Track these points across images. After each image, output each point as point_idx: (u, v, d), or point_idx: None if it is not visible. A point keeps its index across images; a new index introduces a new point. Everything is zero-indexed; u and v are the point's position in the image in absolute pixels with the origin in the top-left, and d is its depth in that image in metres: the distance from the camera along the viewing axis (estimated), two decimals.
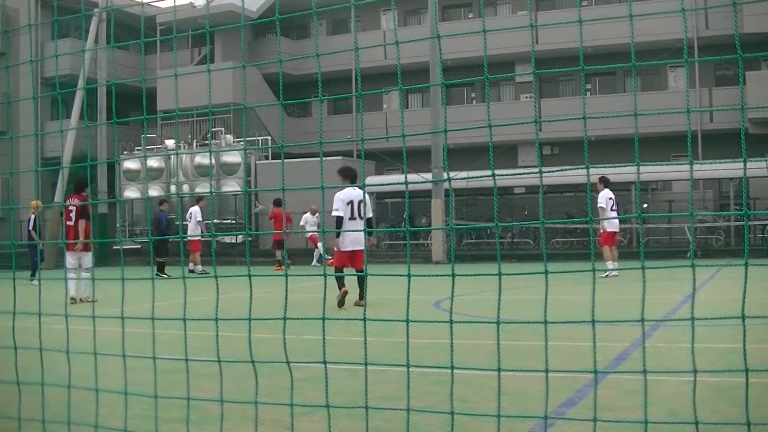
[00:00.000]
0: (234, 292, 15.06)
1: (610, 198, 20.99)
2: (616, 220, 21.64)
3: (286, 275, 4.09)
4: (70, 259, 17.17)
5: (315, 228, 32.13)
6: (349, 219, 14.16)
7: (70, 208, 17.86)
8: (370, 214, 14.32)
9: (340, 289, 12.97)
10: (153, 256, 25.77)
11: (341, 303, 12.78)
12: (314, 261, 33.01)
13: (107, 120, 40.05)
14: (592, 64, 40.67)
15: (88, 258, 17.26)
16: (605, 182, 21.22)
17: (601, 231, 21.58)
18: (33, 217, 23.31)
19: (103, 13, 41.16)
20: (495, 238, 38.19)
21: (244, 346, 4.10)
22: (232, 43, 51.22)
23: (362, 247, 13.26)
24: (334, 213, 14.40)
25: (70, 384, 4.49)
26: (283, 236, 25.52)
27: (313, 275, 3.45)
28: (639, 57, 40.38)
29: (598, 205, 21.01)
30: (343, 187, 14.71)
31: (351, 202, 14.36)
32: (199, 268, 27.49)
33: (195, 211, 28.20)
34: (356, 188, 14.49)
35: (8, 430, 5.24)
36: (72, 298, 16.29)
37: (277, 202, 30.52)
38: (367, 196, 14.28)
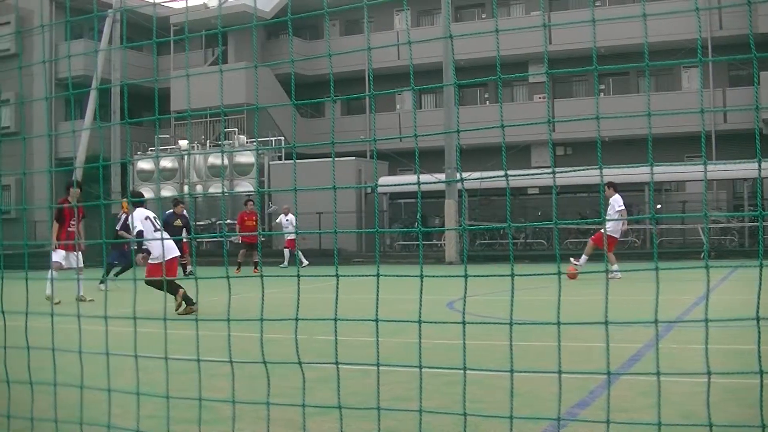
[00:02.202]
0: (246, 293, 15.09)
1: (621, 206, 21.04)
2: (621, 224, 21.62)
3: (298, 276, 4.09)
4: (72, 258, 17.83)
5: (290, 229, 31.98)
6: (154, 231, 14.76)
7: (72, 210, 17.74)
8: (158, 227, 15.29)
9: (175, 294, 12.97)
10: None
11: (180, 306, 12.62)
12: (285, 262, 32.94)
13: (120, 120, 40.13)
14: (605, 64, 40.59)
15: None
16: (615, 187, 21.26)
17: (600, 232, 21.61)
18: (123, 216, 23.17)
19: (116, 14, 41.26)
20: (508, 239, 38.07)
21: (256, 346, 4.10)
22: (245, 44, 51.26)
23: (175, 255, 13.96)
24: (134, 231, 15.17)
25: (82, 384, 4.50)
26: (258, 237, 25.50)
27: (327, 275, 3.44)
28: (652, 57, 40.28)
29: (618, 208, 20.95)
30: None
31: (148, 217, 15.13)
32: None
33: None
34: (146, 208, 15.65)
35: (22, 430, 5.25)
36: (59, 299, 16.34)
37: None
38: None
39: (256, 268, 29.45)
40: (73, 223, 17.90)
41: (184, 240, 24.51)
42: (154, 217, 15.37)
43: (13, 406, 4.79)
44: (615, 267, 20.35)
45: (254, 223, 29.86)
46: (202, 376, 4.51)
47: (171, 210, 25.58)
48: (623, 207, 21.01)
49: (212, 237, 29.79)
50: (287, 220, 32.66)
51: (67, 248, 17.75)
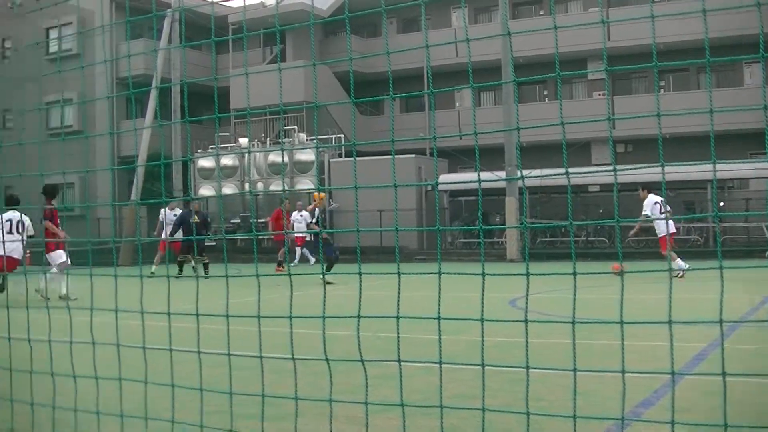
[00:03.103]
0: (309, 290, 15.17)
1: (656, 203, 20.83)
2: (671, 222, 21.39)
3: (359, 273, 4.10)
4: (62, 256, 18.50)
5: (303, 227, 31.84)
6: (8, 233, 16.60)
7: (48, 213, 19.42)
8: (31, 232, 17.05)
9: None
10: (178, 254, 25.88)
11: None
12: (296, 260, 32.91)
13: (181, 119, 40.45)
14: (665, 60, 40.22)
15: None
16: (648, 188, 21.14)
17: (659, 236, 21.36)
18: (317, 210, 23.44)
19: (175, 14, 41.58)
20: (569, 237, 37.98)
21: (319, 343, 4.12)
22: (303, 42, 51.43)
23: (13, 256, 16.26)
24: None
25: (146, 379, 4.55)
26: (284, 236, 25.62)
27: (389, 273, 3.45)
28: (713, 53, 39.84)
29: (643, 212, 20.84)
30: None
31: (10, 221, 16.81)
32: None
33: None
34: (16, 211, 17.09)
35: (87, 423, 5.32)
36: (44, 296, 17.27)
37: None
38: (26, 217, 17.04)
39: (281, 266, 29.54)
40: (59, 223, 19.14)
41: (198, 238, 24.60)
42: (17, 222, 17.23)
43: (78, 401, 4.84)
44: (679, 263, 20.23)
45: (288, 221, 30.00)
46: (266, 373, 4.54)
47: (187, 209, 25.78)
48: (648, 212, 20.84)
49: (245, 235, 29.99)
50: (301, 215, 32.30)
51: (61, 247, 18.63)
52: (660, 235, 20.95)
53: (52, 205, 18.68)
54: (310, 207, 23.98)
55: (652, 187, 21.19)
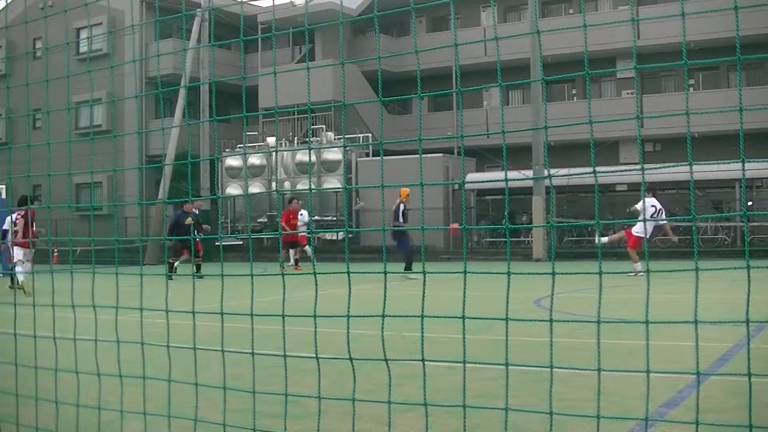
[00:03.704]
0: (333, 289, 15.17)
1: (653, 206, 21.30)
2: (650, 226, 21.72)
3: (385, 272, 4.09)
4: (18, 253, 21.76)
5: (303, 227, 31.81)
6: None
7: (17, 218, 22.07)
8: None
9: None
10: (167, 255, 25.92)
11: None
12: (291, 261, 32.84)
13: (209, 118, 40.58)
14: (695, 58, 40.05)
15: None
16: (654, 192, 21.69)
17: (635, 233, 21.75)
18: (402, 205, 23.59)
19: (204, 13, 41.70)
20: (596, 236, 37.86)
21: (342, 342, 4.12)
22: (331, 41, 51.49)
23: None
24: None
25: (170, 378, 4.55)
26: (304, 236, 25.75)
27: (414, 272, 3.41)
28: (744, 51, 39.64)
29: (639, 208, 21.17)
30: None
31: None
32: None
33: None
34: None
35: (111, 422, 5.33)
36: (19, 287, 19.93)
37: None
38: None
39: (297, 265, 29.56)
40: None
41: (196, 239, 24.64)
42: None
43: (102, 400, 4.86)
44: (638, 266, 20.65)
45: (297, 221, 30.03)
46: (289, 372, 4.54)
47: (180, 210, 25.80)
48: (639, 207, 21.32)
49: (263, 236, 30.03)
50: (300, 215, 32.07)
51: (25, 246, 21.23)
52: (635, 233, 21.39)
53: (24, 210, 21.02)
54: (397, 202, 24.01)
55: (657, 189, 21.69)
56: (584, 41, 3.84)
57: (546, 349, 3.75)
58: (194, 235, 24.39)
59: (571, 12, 49.32)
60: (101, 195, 53.10)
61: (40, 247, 29.35)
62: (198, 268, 25.12)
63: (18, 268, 21.16)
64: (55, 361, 4.93)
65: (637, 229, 21.34)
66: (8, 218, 24.71)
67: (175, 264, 25.88)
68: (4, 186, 32.72)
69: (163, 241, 23.03)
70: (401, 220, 23.41)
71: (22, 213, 21.30)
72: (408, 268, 22.16)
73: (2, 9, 45.31)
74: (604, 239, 22.29)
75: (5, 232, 24.69)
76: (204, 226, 26.15)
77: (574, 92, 49.12)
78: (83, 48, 53.50)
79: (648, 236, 21.36)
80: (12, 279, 22.71)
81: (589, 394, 6.19)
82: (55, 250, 36.04)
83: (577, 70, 42.83)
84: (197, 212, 26.36)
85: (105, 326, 5.12)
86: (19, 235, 21.50)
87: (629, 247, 21.74)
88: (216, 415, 4.78)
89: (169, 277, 22.54)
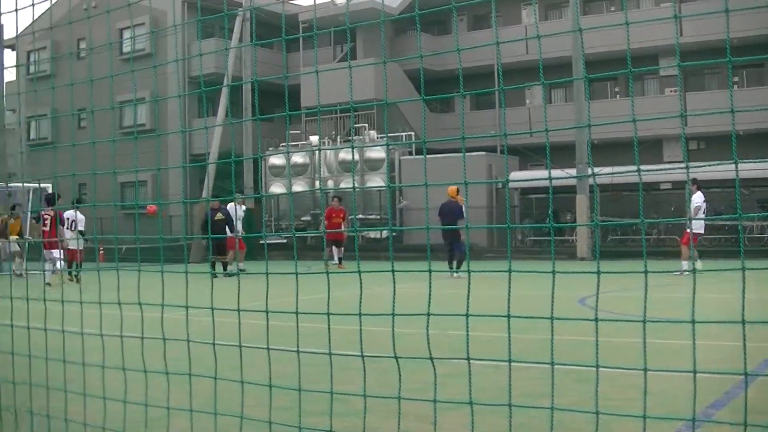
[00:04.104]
0: (378, 287, 15.18)
1: (704, 200, 21.23)
2: (703, 223, 21.69)
3: (429, 271, 4.09)
4: (53, 254, 23.30)
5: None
6: (66, 229, 21.89)
7: (46, 216, 23.84)
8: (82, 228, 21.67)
9: None
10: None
11: None
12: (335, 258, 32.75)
13: (252, 117, 40.72)
14: (738, 55, 39.67)
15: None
16: (698, 184, 21.46)
17: (687, 231, 21.59)
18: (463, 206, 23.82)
19: (246, 13, 41.84)
20: (641, 235, 37.64)
21: (388, 340, 4.12)
22: (373, 40, 51.49)
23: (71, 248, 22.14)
24: None
25: (216, 375, 4.58)
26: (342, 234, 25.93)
27: (460, 270, 3.40)
28: None
29: (694, 205, 21.00)
30: None
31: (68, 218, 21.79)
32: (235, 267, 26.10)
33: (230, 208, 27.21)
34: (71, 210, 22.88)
35: (157, 418, 5.37)
36: (47, 283, 20.56)
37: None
38: (80, 215, 21.68)
39: (341, 264, 29.53)
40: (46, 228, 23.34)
41: (230, 236, 24.63)
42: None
43: (149, 397, 4.90)
44: (684, 264, 20.53)
45: (341, 219, 30.04)
46: (335, 370, 4.55)
47: (211, 207, 25.91)
48: (699, 203, 21.15)
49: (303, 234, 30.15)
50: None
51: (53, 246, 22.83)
52: (695, 230, 21.29)
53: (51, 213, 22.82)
54: (457, 201, 24.12)
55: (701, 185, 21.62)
56: (626, 39, 3.82)
57: (591, 349, 3.74)
58: (220, 233, 24.55)
59: (612, 9, 49.04)
60: (146, 193, 53.45)
61: (88, 246, 29.78)
62: (224, 266, 25.20)
63: (47, 266, 22.85)
64: (103, 358, 4.97)
65: (694, 227, 21.24)
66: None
67: (222, 262, 26.01)
68: (50, 185, 33.02)
69: (208, 239, 23.17)
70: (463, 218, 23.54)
71: (51, 212, 22.75)
72: (459, 267, 22.21)
73: (47, 10, 45.64)
74: (698, 265, 21.61)
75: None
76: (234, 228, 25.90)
77: (616, 90, 48.85)
78: (126, 48, 53.89)
79: (701, 232, 21.24)
80: (70, 275, 24.29)
81: (635, 394, 6.17)
82: (101, 249, 36.35)
83: (619, 67, 42.59)
84: (227, 211, 26.42)
85: (151, 324, 5.16)
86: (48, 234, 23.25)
87: (682, 243, 21.63)
88: (262, 413, 4.81)
89: (213, 276, 22.79)
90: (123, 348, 4.99)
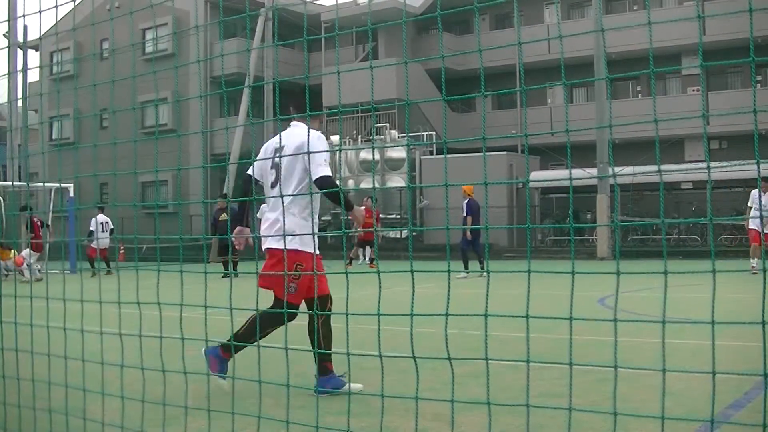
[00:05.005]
0: (398, 287, 15.19)
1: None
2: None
3: (449, 271, 4.09)
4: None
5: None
6: (101, 232, 25.34)
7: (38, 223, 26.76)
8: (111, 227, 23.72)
9: None
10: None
11: None
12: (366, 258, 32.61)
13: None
14: (761, 55, 39.52)
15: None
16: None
17: (752, 228, 21.53)
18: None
19: (268, 13, 41.93)
20: (661, 235, 37.52)
21: (406, 340, 4.12)
22: (395, 40, 51.51)
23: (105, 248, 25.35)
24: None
25: (234, 375, 4.59)
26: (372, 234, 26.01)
27: (477, 271, 3.41)
28: None
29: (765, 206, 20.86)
30: None
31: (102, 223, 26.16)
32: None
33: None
34: (102, 214, 26.94)
35: (175, 417, 5.39)
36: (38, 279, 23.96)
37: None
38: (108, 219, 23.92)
39: (372, 263, 29.49)
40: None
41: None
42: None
43: (168, 396, 4.91)
44: (753, 261, 20.47)
45: (371, 219, 30.06)
46: (352, 369, 4.56)
47: (217, 208, 26.08)
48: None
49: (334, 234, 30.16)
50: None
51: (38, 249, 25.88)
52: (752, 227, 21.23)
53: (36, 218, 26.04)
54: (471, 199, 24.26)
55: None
56: (649, 38, 3.81)
57: (610, 349, 3.73)
58: (230, 233, 24.45)
59: (635, 8, 48.92)
60: (166, 193, 53.61)
61: (112, 245, 30.30)
62: (234, 265, 25.11)
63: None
64: (121, 358, 4.99)
65: (753, 223, 21.23)
66: (93, 219, 28.00)
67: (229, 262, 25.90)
68: (71, 185, 33.18)
69: (228, 239, 23.11)
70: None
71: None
72: (481, 266, 22.17)
73: (70, 11, 45.83)
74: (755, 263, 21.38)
75: (91, 232, 28.44)
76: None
77: (638, 89, 48.71)
78: (149, 48, 54.08)
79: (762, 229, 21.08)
80: (94, 273, 25.63)
81: (653, 394, 6.14)
82: (122, 248, 36.55)
83: (641, 66, 42.48)
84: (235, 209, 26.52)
85: (169, 323, 5.17)
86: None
87: (754, 242, 21.67)
88: (279, 412, 4.81)
89: (225, 275, 22.78)
90: (142, 347, 5.01)
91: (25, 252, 25.96)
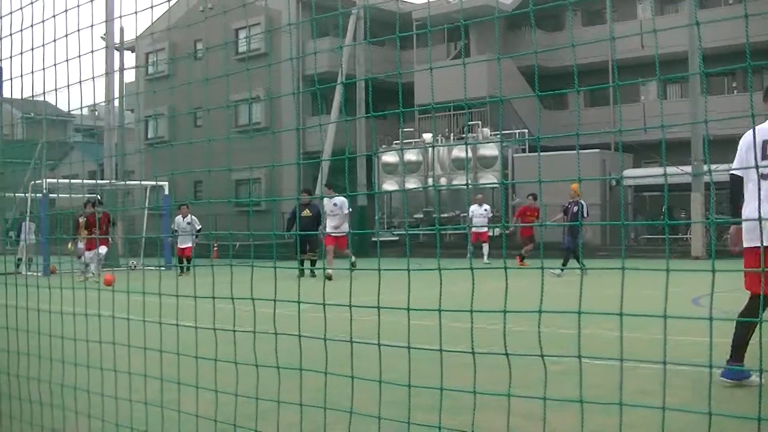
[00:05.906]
0: (491, 283, 15.15)
1: None
2: None
3: (542, 268, 4.07)
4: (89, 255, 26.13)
5: (484, 221, 31.78)
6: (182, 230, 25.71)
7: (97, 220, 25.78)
8: (198, 226, 23.28)
9: None
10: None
11: None
12: (485, 258, 32.23)
13: (365, 114, 40.96)
14: None
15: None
16: None
17: None
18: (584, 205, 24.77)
19: (360, 11, 42.11)
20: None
21: (498, 337, 4.11)
22: (486, 36, 51.34)
23: (189, 246, 26.45)
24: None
25: (327, 370, 4.62)
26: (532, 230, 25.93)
27: (572, 268, 3.40)
28: None
29: None
30: None
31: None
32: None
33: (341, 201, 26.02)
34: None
35: (267, 411, 5.44)
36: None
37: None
38: (194, 217, 24.28)
39: (522, 261, 29.04)
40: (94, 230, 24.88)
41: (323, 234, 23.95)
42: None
43: (260, 391, 4.96)
44: None
45: (535, 218, 29.83)
46: (444, 366, 4.56)
47: (300, 203, 25.95)
48: None
49: (427, 231, 30.10)
50: (484, 209, 32.60)
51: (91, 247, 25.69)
52: None
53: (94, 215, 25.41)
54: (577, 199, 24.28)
55: None
56: (745, 32, 3.76)
57: (705, 348, 3.69)
58: (307, 230, 24.23)
59: (730, 2, 48.15)
60: (259, 191, 54.11)
61: (201, 242, 30.57)
62: (312, 263, 24.31)
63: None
64: (215, 351, 5.05)
65: None
66: (177, 218, 28.22)
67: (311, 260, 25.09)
68: (166, 182, 33.66)
69: (321, 235, 23.18)
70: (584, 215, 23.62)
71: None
72: (564, 265, 22.03)
73: (165, 12, 46.51)
74: None
75: (174, 231, 28.92)
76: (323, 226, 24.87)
77: (734, 85, 47.95)
78: (242, 48, 54.65)
79: None
80: (182, 270, 25.90)
81: (750, 394, 6.06)
82: (215, 245, 37.03)
83: (736, 62, 41.77)
84: (318, 205, 26.36)
85: (262, 319, 5.23)
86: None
87: None
88: (371, 407, 4.83)
89: (301, 273, 22.37)
90: (235, 342, 5.07)
91: (91, 253, 26.25)
